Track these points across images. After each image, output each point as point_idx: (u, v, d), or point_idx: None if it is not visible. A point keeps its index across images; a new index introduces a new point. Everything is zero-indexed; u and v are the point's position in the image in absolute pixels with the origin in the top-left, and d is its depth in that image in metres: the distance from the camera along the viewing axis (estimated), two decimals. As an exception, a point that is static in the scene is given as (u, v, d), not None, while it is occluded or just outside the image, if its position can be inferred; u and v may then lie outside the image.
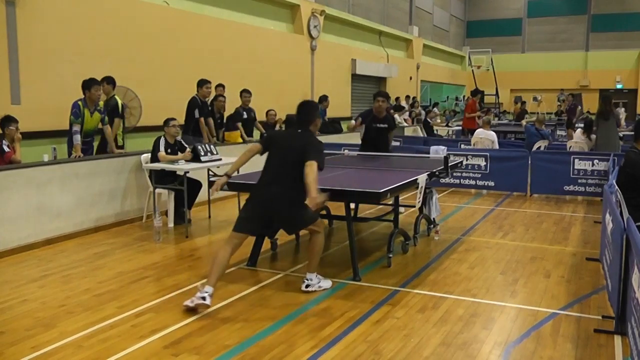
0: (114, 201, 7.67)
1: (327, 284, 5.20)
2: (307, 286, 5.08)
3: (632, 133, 6.53)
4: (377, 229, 7.49)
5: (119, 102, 8.24)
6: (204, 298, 4.57)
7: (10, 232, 6.31)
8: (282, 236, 6.67)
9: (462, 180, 10.64)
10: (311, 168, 4.78)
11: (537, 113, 16.64)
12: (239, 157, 5.36)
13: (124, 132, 8.43)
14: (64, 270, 5.72)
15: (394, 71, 20.04)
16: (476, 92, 17.99)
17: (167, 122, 7.71)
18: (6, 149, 6.75)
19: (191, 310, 4.56)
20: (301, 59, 14.94)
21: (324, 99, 13.56)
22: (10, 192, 6.36)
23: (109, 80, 8.22)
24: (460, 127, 17.81)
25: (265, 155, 5.23)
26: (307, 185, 4.74)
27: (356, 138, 14.45)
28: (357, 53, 17.92)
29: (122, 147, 8.36)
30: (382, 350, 3.93)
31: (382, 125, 7.86)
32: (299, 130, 5.16)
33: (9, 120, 6.90)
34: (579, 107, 23.63)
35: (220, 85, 10.10)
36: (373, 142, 7.89)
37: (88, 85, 7.55)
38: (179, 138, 7.85)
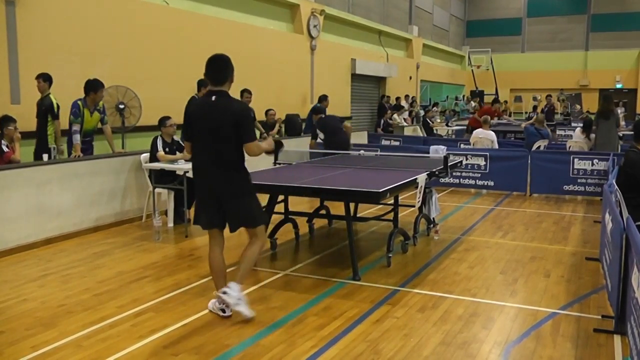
0: (114, 201, 7.67)
1: (246, 311, 4.37)
2: (224, 292, 4.38)
3: (632, 133, 6.53)
4: (376, 228, 7.49)
5: (54, 101, 7.50)
6: (223, 310, 4.46)
7: (10, 232, 6.31)
8: (282, 236, 6.67)
9: (461, 180, 10.64)
10: (255, 149, 4.33)
11: (537, 113, 16.64)
12: None
13: (55, 133, 7.59)
14: (63, 270, 5.72)
15: (394, 71, 20.04)
16: (496, 101, 18.39)
17: (163, 121, 7.72)
18: (5, 148, 6.76)
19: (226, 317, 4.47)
20: (301, 58, 14.94)
21: (323, 98, 13.54)
22: (10, 192, 6.36)
23: (45, 78, 7.51)
24: (460, 127, 17.84)
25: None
26: (266, 150, 4.49)
27: (355, 138, 14.49)
28: (357, 53, 17.92)
29: (58, 150, 7.54)
30: (381, 350, 3.94)
31: None
32: (214, 98, 4.38)
33: (8, 120, 6.90)
34: (578, 107, 23.66)
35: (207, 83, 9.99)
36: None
37: (94, 87, 7.52)
38: (176, 137, 7.86)
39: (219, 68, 4.44)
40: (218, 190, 4.42)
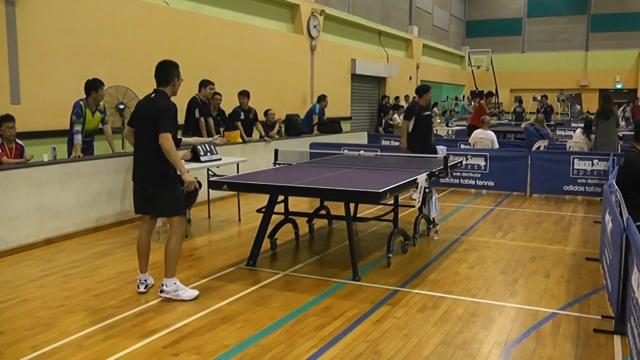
0: (114, 201, 7.67)
1: (188, 294, 4.84)
2: (161, 291, 4.85)
3: (632, 133, 6.53)
4: (376, 228, 7.49)
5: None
6: (138, 287, 5.04)
7: (10, 232, 6.31)
8: (282, 236, 6.67)
9: (461, 180, 10.64)
10: (164, 140, 4.63)
11: (537, 113, 16.64)
12: None
13: None
14: (63, 270, 5.72)
15: (394, 71, 20.04)
16: (490, 94, 18.10)
17: None
18: None
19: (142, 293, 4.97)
20: (301, 58, 14.94)
21: (322, 98, 13.55)
22: (11, 192, 6.36)
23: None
24: (460, 128, 17.82)
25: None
26: (172, 162, 4.72)
27: (355, 138, 14.51)
28: (357, 53, 17.92)
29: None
30: (382, 350, 3.94)
31: (427, 113, 9.31)
32: (153, 95, 4.92)
33: (7, 119, 6.85)
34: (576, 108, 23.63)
35: (210, 83, 9.92)
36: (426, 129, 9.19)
37: (95, 86, 7.52)
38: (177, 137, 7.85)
39: (162, 72, 4.96)
40: (139, 177, 4.91)
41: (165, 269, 4.88)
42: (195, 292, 4.90)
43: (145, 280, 5.06)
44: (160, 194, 4.83)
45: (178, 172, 4.83)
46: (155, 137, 4.68)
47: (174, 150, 4.71)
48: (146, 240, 5.05)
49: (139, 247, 5.05)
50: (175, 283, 4.86)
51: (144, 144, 4.84)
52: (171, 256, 4.86)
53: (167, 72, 4.91)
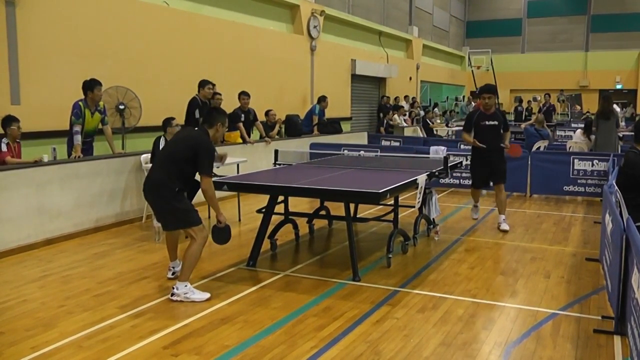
0: (114, 201, 7.67)
1: (199, 296, 4.88)
2: (172, 295, 4.89)
3: (632, 133, 6.53)
4: (376, 229, 7.49)
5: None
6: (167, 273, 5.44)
7: (10, 232, 6.31)
8: (282, 237, 6.67)
9: (461, 180, 10.64)
10: (208, 185, 4.92)
11: (537, 113, 16.65)
12: None
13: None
14: (63, 271, 5.72)
15: (394, 71, 20.03)
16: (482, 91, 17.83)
17: (169, 122, 7.72)
18: (4, 148, 6.74)
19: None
20: (301, 59, 14.94)
21: (322, 99, 13.55)
22: (10, 192, 6.36)
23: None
24: (460, 128, 17.81)
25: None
26: (211, 205, 5.05)
27: (355, 138, 14.51)
28: (357, 53, 17.92)
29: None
30: (382, 351, 3.94)
31: (492, 123, 7.40)
32: (197, 128, 5.27)
33: (11, 119, 6.88)
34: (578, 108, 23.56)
35: (208, 83, 9.91)
36: (485, 143, 7.36)
37: (90, 86, 7.54)
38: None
39: (210, 114, 5.25)
40: (147, 193, 5.15)
41: (180, 272, 4.97)
42: (207, 295, 4.92)
43: (174, 267, 5.40)
44: (168, 206, 4.94)
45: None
46: (180, 164, 4.91)
47: (214, 196, 5.00)
48: (173, 235, 5.36)
49: (167, 241, 5.44)
50: (186, 286, 4.89)
51: (164, 162, 5.02)
52: (188, 261, 4.90)
53: (214, 116, 5.17)
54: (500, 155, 7.55)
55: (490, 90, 7.60)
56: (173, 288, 4.89)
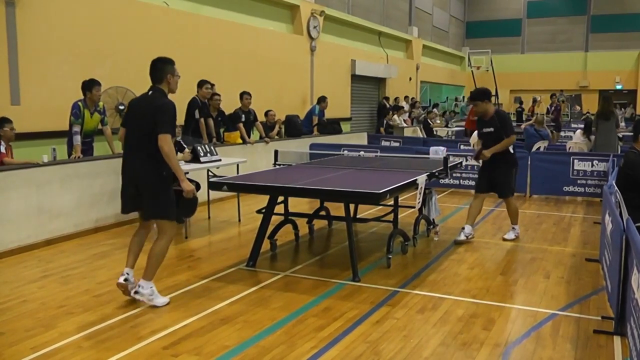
0: (114, 202, 7.64)
1: (160, 300, 4.70)
2: (135, 292, 4.69)
3: (632, 133, 6.53)
4: (376, 229, 7.49)
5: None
6: (119, 277, 4.84)
7: (10, 233, 6.31)
8: (282, 237, 6.67)
9: (461, 181, 10.65)
10: (164, 143, 4.51)
11: (537, 114, 16.64)
12: None
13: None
14: (63, 271, 5.72)
15: (394, 72, 20.04)
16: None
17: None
18: (3, 149, 6.73)
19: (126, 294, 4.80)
20: (301, 59, 14.94)
21: (322, 99, 13.56)
22: (10, 193, 6.36)
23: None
24: (459, 128, 17.82)
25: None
26: (171, 166, 4.59)
27: (355, 139, 14.51)
28: (357, 54, 17.92)
29: None
30: (381, 351, 3.94)
31: (487, 130, 6.94)
32: (149, 92, 4.82)
33: (5, 121, 6.86)
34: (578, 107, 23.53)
35: (206, 83, 9.88)
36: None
37: (89, 86, 7.55)
38: (178, 138, 7.86)
39: (154, 69, 4.87)
40: (130, 177, 4.74)
41: (145, 270, 4.74)
42: (167, 299, 4.77)
43: (127, 274, 4.82)
44: (152, 194, 4.68)
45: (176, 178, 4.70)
46: (150, 136, 4.55)
47: (173, 153, 4.61)
48: (139, 238, 4.95)
49: (131, 243, 4.95)
50: (151, 287, 4.71)
51: (137, 142, 4.68)
52: (154, 259, 4.72)
53: (159, 68, 4.80)
54: (499, 164, 6.93)
55: (474, 97, 7.06)
56: (138, 286, 4.70)
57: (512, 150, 7.05)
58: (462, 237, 6.95)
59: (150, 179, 4.66)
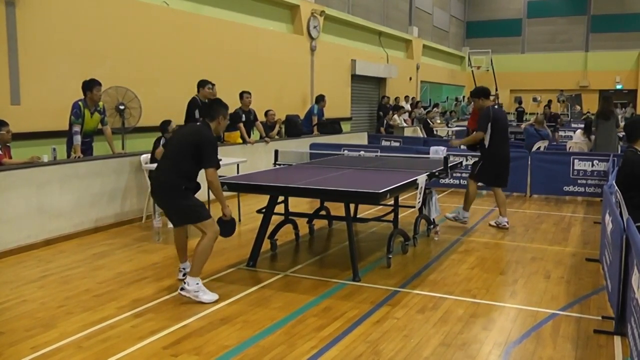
0: (114, 202, 7.67)
1: (208, 297, 4.82)
2: (181, 289, 4.83)
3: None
4: (376, 229, 7.49)
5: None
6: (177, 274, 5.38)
7: (10, 233, 6.31)
8: (282, 237, 6.67)
9: (461, 180, 10.64)
10: (213, 177, 4.90)
11: (537, 114, 16.64)
12: None
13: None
14: (63, 271, 5.72)
15: (394, 72, 20.04)
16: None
17: (165, 126, 7.75)
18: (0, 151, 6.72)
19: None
20: (301, 59, 14.94)
21: (320, 98, 13.55)
22: (10, 193, 6.35)
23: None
24: (460, 128, 17.81)
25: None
26: (216, 197, 5.02)
27: (355, 139, 14.50)
28: (357, 53, 17.92)
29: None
30: (382, 351, 3.94)
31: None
32: (199, 123, 5.27)
33: (1, 124, 6.85)
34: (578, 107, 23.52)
35: (208, 83, 9.86)
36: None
37: (90, 86, 7.55)
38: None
39: (211, 107, 5.28)
40: (157, 194, 5.19)
41: (191, 267, 4.92)
42: (215, 296, 4.88)
43: (184, 268, 5.28)
44: (177, 205, 4.96)
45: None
46: (185, 161, 4.90)
47: (219, 185, 5.02)
48: (178, 234, 5.27)
49: (175, 242, 5.33)
50: (197, 284, 4.82)
51: (170, 162, 5.00)
52: (199, 256, 4.86)
53: (215, 108, 5.17)
54: (483, 156, 7.67)
55: (472, 94, 7.77)
56: (184, 282, 4.83)
57: (486, 145, 7.58)
58: (451, 216, 7.88)
59: (170, 191, 4.95)
